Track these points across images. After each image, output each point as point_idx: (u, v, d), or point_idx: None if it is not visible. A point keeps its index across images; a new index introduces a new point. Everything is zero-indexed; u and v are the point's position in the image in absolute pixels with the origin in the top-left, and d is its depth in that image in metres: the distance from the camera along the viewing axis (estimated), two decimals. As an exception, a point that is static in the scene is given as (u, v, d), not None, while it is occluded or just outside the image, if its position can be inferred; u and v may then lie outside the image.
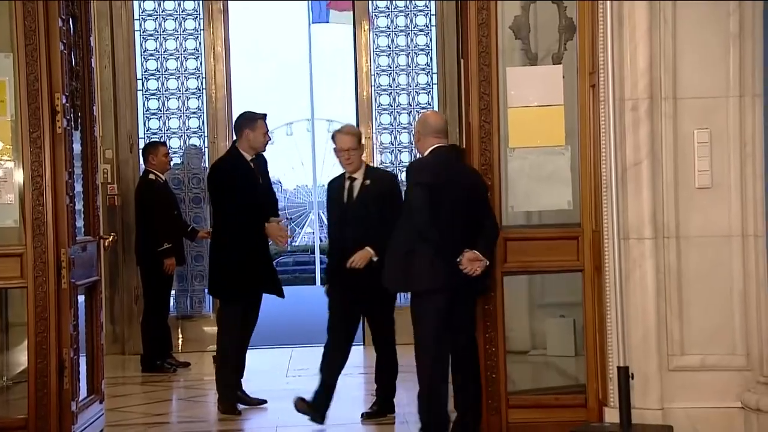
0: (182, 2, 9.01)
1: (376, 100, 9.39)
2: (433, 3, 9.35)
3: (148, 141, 8.70)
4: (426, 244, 4.75)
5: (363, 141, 6.11)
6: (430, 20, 9.42)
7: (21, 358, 6.15)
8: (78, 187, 5.27)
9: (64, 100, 4.93)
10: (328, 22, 15.87)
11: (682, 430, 4.79)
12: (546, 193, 5.45)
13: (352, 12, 9.81)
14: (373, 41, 9.36)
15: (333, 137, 5.98)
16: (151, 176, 7.79)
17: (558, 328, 6.69)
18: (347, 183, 5.86)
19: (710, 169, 5.00)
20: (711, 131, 4.99)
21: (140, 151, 8.60)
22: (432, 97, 9.48)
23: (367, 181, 5.81)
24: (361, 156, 5.96)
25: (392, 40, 9.40)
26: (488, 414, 5.13)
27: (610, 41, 4.88)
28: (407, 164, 5.86)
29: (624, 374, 4.82)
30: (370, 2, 9.40)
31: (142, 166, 8.38)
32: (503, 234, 5.20)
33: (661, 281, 5.01)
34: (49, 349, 4.84)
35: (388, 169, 6.56)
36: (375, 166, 6.18)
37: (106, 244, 5.89)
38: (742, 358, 4.87)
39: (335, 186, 6.03)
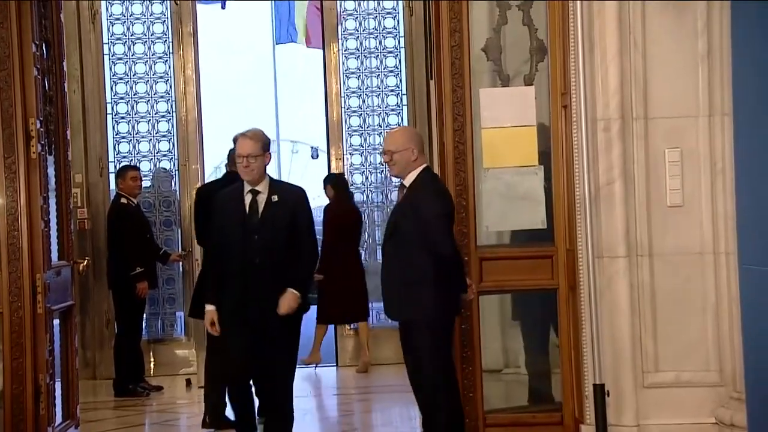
0: (152, 26, 9.03)
1: (346, 121, 9.43)
2: (401, 25, 9.44)
3: (118, 164, 8.70)
4: (443, 272, 4.68)
5: (269, 151, 5.17)
6: (398, 42, 9.46)
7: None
8: (52, 212, 5.27)
9: (38, 125, 4.95)
10: (294, 41, 15.82)
11: (658, 446, 4.84)
12: (520, 213, 5.49)
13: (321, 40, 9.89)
14: (343, 63, 9.42)
15: (234, 141, 5.23)
16: (123, 200, 7.78)
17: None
18: (248, 197, 5.03)
19: (681, 188, 5.08)
20: (682, 150, 5.07)
21: (110, 174, 8.61)
22: (402, 118, 9.51)
23: (274, 197, 5.01)
24: (265, 167, 5.10)
25: (361, 62, 9.47)
26: (465, 433, 5.13)
27: (581, 63, 4.98)
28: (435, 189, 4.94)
29: (600, 392, 4.88)
30: (339, 25, 9.46)
31: (113, 190, 8.38)
32: (478, 253, 5.26)
33: (635, 299, 5.07)
34: (25, 374, 4.83)
35: (299, 185, 5.44)
36: (280, 179, 5.48)
37: (81, 268, 5.88)
38: (715, 374, 4.96)
39: (227, 197, 5.21)
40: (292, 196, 5.10)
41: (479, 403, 5.21)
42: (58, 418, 5.23)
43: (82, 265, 5.87)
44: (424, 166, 4.82)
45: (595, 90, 5.06)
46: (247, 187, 5.02)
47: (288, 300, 4.89)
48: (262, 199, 4.98)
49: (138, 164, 8.71)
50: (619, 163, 5.00)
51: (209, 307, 4.94)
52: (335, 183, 8.88)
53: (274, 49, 21.31)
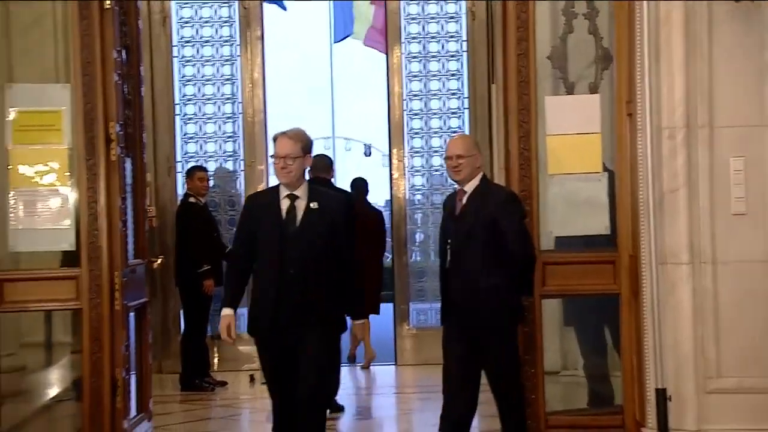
0: (219, 29, 9.29)
1: (408, 123, 9.59)
2: (464, 29, 9.59)
3: (186, 164, 8.99)
4: (524, 276, 4.91)
5: (310, 153, 4.80)
6: (461, 46, 9.65)
7: (61, 376, 6.36)
8: (128, 212, 5.50)
9: (118, 129, 5.18)
10: (351, 35, 15.75)
11: (719, 451, 4.88)
12: (584, 218, 5.62)
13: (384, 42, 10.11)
14: (405, 66, 9.60)
15: (274, 140, 4.80)
16: (191, 199, 8.04)
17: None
18: (285, 202, 4.63)
19: (746, 196, 5.15)
20: (746, 159, 5.13)
21: (177, 174, 8.91)
22: (463, 121, 9.70)
23: (314, 204, 4.61)
24: (304, 171, 4.77)
25: (424, 65, 9.63)
26: (527, 435, 5.26)
27: (647, 71, 5.05)
28: (508, 193, 5.12)
29: (662, 396, 4.95)
30: (402, 29, 9.67)
31: (180, 190, 8.65)
32: (542, 258, 5.35)
33: (698, 305, 5.13)
34: (103, 368, 5.04)
35: (341, 191, 5.34)
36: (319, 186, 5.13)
37: (155, 266, 6.09)
38: (778, 381, 5.00)
39: (262, 202, 4.88)
40: (332, 204, 4.75)
41: (541, 405, 5.31)
42: (132, 411, 5.46)
43: (156, 263, 6.09)
44: (482, 172, 4.99)
45: (660, 98, 5.13)
46: (284, 192, 4.63)
47: (359, 331, 5.22)
48: (300, 206, 4.61)
49: (204, 164, 8.96)
50: (683, 170, 5.08)
51: (226, 311, 4.64)
52: (355, 187, 9.27)
53: (331, 47, 21.49)
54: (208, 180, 8.32)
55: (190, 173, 8.27)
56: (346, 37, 13.21)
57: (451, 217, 5.02)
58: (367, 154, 22.20)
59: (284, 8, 12.86)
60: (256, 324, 4.67)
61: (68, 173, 5.24)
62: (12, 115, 5.34)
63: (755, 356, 5.01)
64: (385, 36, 9.90)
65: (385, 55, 9.94)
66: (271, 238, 4.56)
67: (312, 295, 4.50)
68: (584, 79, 5.73)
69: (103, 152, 5.10)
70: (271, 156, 4.73)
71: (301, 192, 4.60)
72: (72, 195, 5.22)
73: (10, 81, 5.73)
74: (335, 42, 14.80)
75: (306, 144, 4.66)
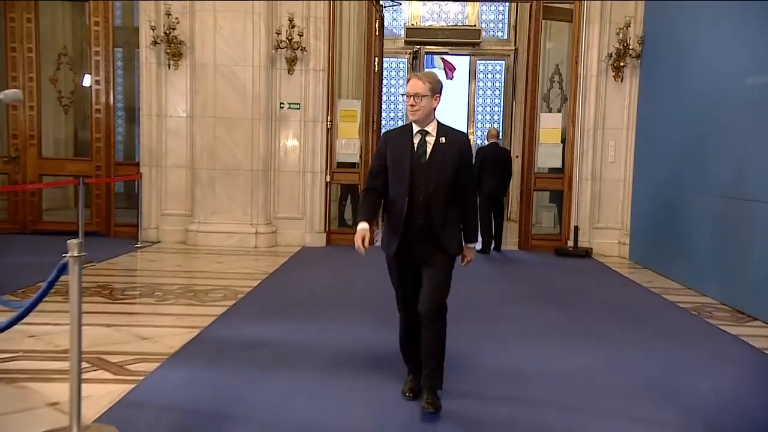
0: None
1: (475, 115, 17.31)
2: (503, 76, 17.49)
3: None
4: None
5: (439, 94, 4.91)
6: (502, 82, 17.80)
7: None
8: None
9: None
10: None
11: None
12: (552, 161, 12.42)
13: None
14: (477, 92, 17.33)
15: (407, 81, 4.99)
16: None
17: None
18: (418, 137, 4.86)
19: (614, 157, 11.97)
20: (615, 141, 11.97)
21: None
22: (500, 119, 17.57)
23: (442, 139, 4.84)
24: (433, 109, 4.88)
25: (485, 84, 17.57)
26: None
27: (579, 105, 12.14)
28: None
29: (576, 228, 12.11)
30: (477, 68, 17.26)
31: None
32: (535, 175, 12.41)
33: (593, 196, 12.08)
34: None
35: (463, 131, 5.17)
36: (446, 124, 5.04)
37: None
38: None
39: (398, 136, 4.97)
40: (458, 139, 4.89)
41: (531, 228, 12.98)
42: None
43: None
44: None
45: (585, 116, 11.90)
46: (416, 128, 4.86)
47: (470, 254, 5.01)
48: (431, 140, 4.82)
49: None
50: (590, 144, 11.94)
51: (362, 225, 4.74)
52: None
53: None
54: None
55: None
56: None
57: None
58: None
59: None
60: (388, 243, 4.90)
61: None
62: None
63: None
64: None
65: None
66: (403, 169, 4.78)
67: (436, 220, 4.76)
68: (555, 105, 12.94)
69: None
70: (402, 94, 5.22)
71: (431, 129, 4.83)
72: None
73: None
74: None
75: (434, 85, 4.85)
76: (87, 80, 12.80)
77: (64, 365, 5.24)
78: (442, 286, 4.79)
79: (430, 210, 4.78)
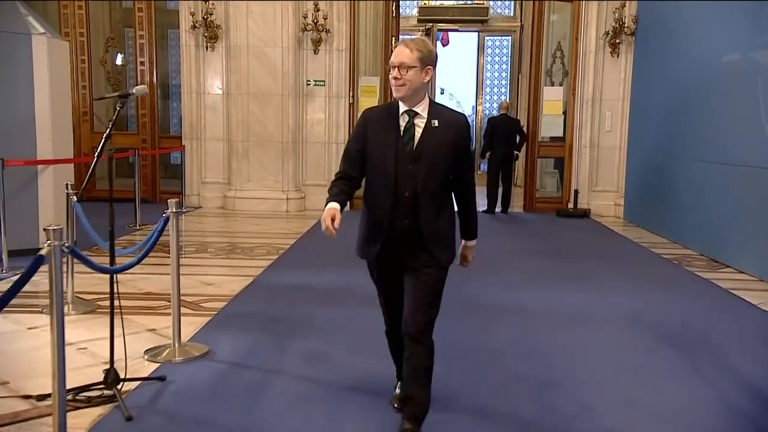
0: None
1: (484, 86, 18.38)
2: (509, 50, 18.24)
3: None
4: None
5: (432, 66, 3.79)
6: (509, 56, 18.53)
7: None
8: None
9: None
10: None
11: None
12: (554, 130, 13.55)
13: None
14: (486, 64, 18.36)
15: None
16: None
17: None
18: (404, 118, 3.78)
19: (611, 126, 13.05)
20: (612, 112, 13.04)
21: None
22: (507, 92, 18.62)
23: (435, 122, 3.76)
24: (423, 84, 3.76)
25: (493, 58, 18.46)
26: None
27: (579, 80, 13.28)
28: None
29: (576, 192, 13.30)
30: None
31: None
32: (539, 144, 13.59)
33: (581, 163, 13.27)
34: None
35: (461, 112, 4.00)
36: (441, 103, 4.06)
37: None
38: None
39: (380, 115, 3.88)
40: (454, 122, 3.82)
41: (534, 191, 14.13)
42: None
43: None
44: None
45: (584, 89, 12.99)
46: (402, 107, 3.80)
47: (470, 254, 4.17)
48: (420, 123, 3.78)
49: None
50: (589, 115, 13.07)
51: (332, 203, 3.69)
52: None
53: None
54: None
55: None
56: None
57: None
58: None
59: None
60: (367, 247, 3.99)
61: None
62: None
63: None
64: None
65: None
66: (385, 158, 3.77)
67: (424, 220, 3.78)
68: (557, 79, 14.02)
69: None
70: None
71: (421, 109, 3.79)
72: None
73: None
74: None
75: (425, 55, 3.75)
76: (119, 59, 14.38)
77: (150, 303, 6.63)
78: (426, 305, 3.82)
79: (417, 209, 3.78)
